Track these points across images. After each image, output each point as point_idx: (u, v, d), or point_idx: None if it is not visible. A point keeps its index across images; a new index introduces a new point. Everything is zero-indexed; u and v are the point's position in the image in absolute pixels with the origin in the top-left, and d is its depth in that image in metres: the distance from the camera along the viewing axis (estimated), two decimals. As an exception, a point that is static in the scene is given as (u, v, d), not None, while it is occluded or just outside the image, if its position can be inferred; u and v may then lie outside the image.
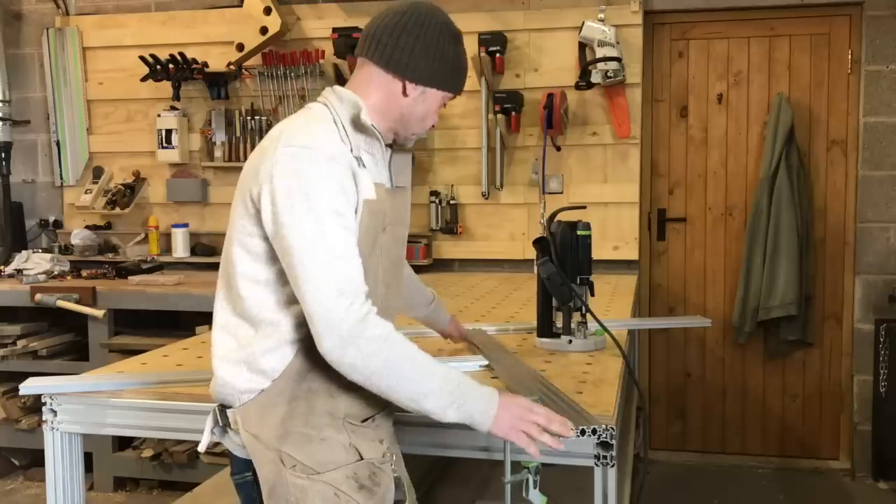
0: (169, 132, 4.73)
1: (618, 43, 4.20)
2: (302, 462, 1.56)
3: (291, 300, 1.56)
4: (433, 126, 1.76)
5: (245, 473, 1.63)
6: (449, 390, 1.51)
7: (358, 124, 1.62)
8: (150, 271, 4.46)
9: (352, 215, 1.54)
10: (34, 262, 4.47)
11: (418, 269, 4.32)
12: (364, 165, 1.60)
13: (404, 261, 1.83)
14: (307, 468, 1.55)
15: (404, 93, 1.64)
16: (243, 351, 1.59)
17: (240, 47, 4.53)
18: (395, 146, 1.75)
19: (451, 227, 4.51)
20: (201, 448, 1.69)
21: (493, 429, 1.54)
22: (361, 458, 1.60)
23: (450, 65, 1.67)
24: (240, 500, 1.69)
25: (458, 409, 1.51)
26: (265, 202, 1.51)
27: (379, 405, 1.68)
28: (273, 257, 1.56)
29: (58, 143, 4.98)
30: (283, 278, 1.56)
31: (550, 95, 4.17)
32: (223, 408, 1.63)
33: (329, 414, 1.59)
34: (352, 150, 1.58)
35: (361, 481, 1.58)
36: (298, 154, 1.51)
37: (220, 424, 1.64)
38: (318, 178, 1.50)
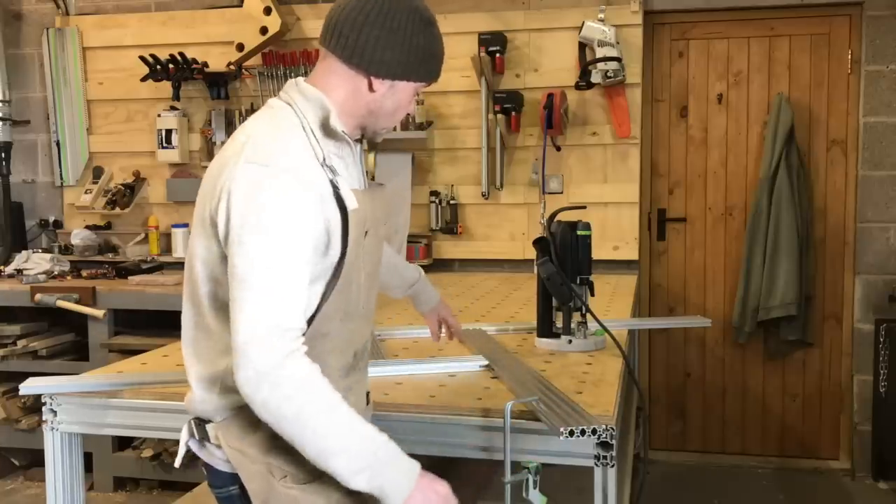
0: (169, 132, 4.73)
1: (618, 43, 4.20)
2: (292, 472, 1.50)
3: None
4: (407, 115, 1.69)
5: (230, 487, 1.57)
6: (364, 455, 1.40)
7: (328, 129, 1.52)
8: (150, 271, 4.46)
9: (306, 241, 1.44)
10: (34, 262, 4.47)
11: (418, 269, 4.33)
12: (337, 173, 1.51)
13: (381, 261, 1.76)
14: (298, 477, 1.50)
15: (371, 88, 1.53)
16: (217, 371, 1.52)
17: (240, 47, 4.53)
18: (363, 141, 1.67)
19: (451, 227, 4.51)
20: (177, 464, 1.63)
21: None
22: None
23: (421, 54, 1.54)
24: None
25: (370, 480, 1.40)
26: (221, 218, 1.43)
27: (357, 410, 1.60)
28: None
29: (58, 143, 4.97)
30: None
31: (550, 95, 4.17)
32: (200, 421, 1.57)
33: None
34: (324, 159, 1.49)
35: None
36: (259, 173, 1.42)
37: (198, 438, 1.57)
38: (272, 202, 1.40)
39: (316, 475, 1.49)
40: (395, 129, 4.30)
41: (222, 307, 1.49)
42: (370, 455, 1.41)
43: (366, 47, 1.50)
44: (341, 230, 1.49)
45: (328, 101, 1.52)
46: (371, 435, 1.43)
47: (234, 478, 1.55)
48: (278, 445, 1.48)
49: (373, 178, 4.53)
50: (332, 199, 1.48)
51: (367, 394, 1.74)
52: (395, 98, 1.57)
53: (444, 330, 2.31)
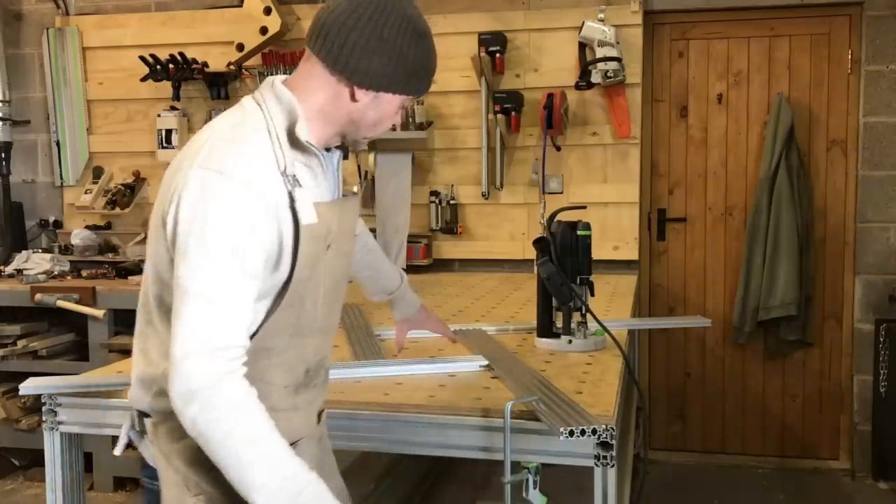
0: (169, 132, 4.73)
1: (618, 43, 4.20)
2: (208, 492, 1.45)
3: None
4: (393, 128, 1.60)
5: (155, 481, 1.55)
6: (286, 494, 1.32)
7: (293, 138, 1.45)
8: (149, 271, 4.45)
9: (256, 256, 1.37)
10: (34, 262, 4.47)
11: (418, 270, 4.34)
12: (300, 184, 1.43)
13: (348, 274, 1.70)
14: (213, 499, 1.45)
15: (353, 98, 1.46)
16: (157, 373, 1.47)
17: (240, 47, 4.54)
18: (343, 148, 1.60)
19: (451, 227, 4.51)
20: (117, 451, 1.62)
21: None
22: None
23: (409, 66, 1.46)
24: (143, 499, 1.62)
25: None
26: (170, 222, 1.38)
27: (303, 431, 1.59)
28: None
29: (58, 143, 4.97)
30: None
31: (550, 95, 4.17)
32: (141, 414, 1.54)
33: None
34: (286, 168, 1.42)
35: None
36: (209, 179, 1.35)
37: (137, 429, 1.56)
38: (222, 212, 1.34)
39: (230, 498, 1.40)
40: (394, 129, 4.34)
41: (168, 311, 1.42)
42: (293, 494, 1.33)
43: (351, 54, 1.42)
44: (292, 244, 1.43)
45: (298, 108, 1.45)
46: (297, 472, 1.35)
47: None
48: (201, 461, 1.40)
49: (372, 181, 4.53)
50: (287, 212, 1.42)
51: (321, 413, 1.70)
52: (378, 109, 1.49)
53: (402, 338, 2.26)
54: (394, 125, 1.57)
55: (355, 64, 1.43)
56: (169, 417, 1.43)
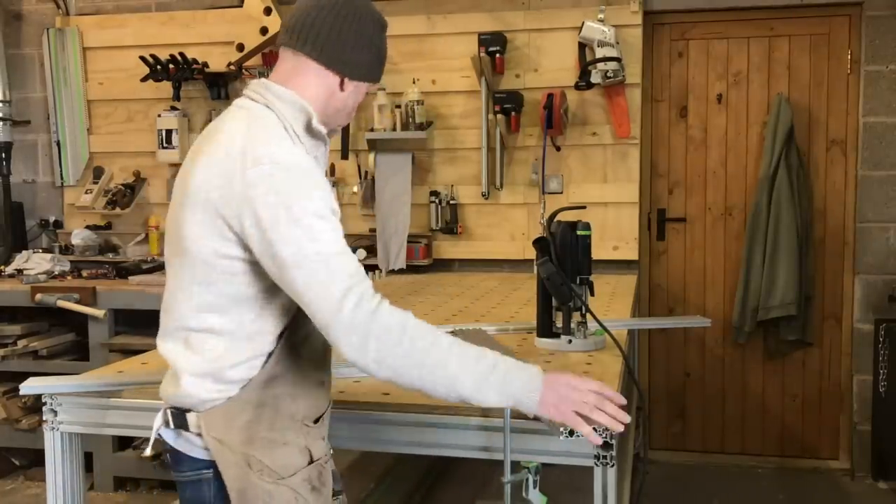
0: (169, 132, 4.73)
1: (617, 43, 4.20)
2: (268, 466, 1.54)
3: (269, 315, 1.54)
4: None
5: (202, 471, 1.58)
6: (485, 371, 1.44)
7: (311, 130, 1.59)
8: (150, 271, 4.46)
9: (335, 217, 1.51)
10: (34, 262, 4.47)
11: (418, 270, 4.35)
12: None
13: None
14: (273, 473, 1.55)
15: (342, 88, 1.62)
16: (210, 365, 1.55)
17: (240, 47, 4.54)
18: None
19: (451, 227, 4.51)
20: (148, 452, 1.68)
21: (540, 409, 1.46)
22: (313, 460, 1.60)
23: (380, 56, 1.67)
24: (183, 495, 1.63)
25: (499, 392, 1.44)
26: (248, 226, 1.45)
27: (325, 405, 1.69)
28: (256, 277, 1.51)
29: (58, 143, 4.98)
30: (263, 296, 1.53)
31: (550, 95, 4.17)
32: (179, 410, 1.59)
33: (291, 417, 1.58)
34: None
35: (313, 483, 1.59)
36: (272, 173, 1.45)
37: (173, 426, 1.60)
38: (296, 190, 1.46)
39: (287, 472, 1.56)
40: (395, 129, 4.36)
41: (236, 304, 1.53)
42: (491, 369, 1.44)
43: (343, 49, 1.58)
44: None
45: (308, 104, 1.58)
46: (485, 352, 1.47)
47: (209, 463, 1.57)
48: (258, 439, 1.54)
49: (372, 181, 4.53)
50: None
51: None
52: (355, 97, 1.66)
53: None
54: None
55: (347, 57, 1.59)
56: (222, 405, 1.54)
